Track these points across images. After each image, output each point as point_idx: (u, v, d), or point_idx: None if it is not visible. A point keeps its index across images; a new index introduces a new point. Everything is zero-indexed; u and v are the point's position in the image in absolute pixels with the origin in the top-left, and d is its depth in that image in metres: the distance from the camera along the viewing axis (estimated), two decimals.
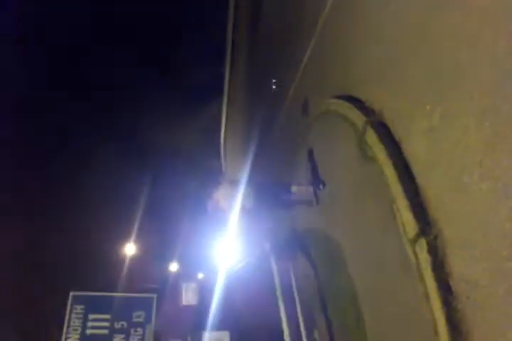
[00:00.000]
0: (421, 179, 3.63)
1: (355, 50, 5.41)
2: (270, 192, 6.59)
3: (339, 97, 5.68)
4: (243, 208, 6.60)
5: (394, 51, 4.23)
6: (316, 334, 7.40)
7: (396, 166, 3.93)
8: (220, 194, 6.63)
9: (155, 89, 28.88)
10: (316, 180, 6.45)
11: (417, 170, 3.71)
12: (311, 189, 6.55)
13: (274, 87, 10.85)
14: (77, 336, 12.89)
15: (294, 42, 8.96)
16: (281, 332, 9.08)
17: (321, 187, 6.41)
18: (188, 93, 29.32)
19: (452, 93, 3.13)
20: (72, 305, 13.38)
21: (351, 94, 5.35)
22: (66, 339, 12.81)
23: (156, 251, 33.76)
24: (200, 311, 13.51)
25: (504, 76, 2.60)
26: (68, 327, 13.02)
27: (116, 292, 14.87)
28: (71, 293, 13.60)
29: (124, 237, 28.72)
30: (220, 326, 11.84)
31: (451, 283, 3.12)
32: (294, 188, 6.59)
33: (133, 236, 29.01)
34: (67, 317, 13.16)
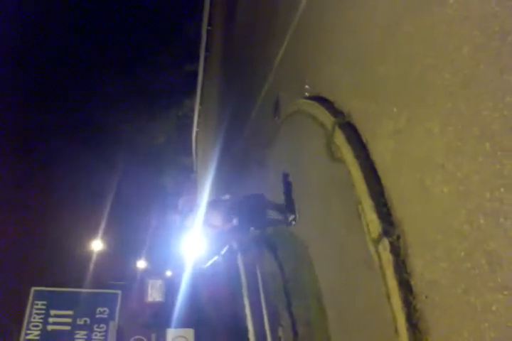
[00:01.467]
0: (386, 180, 3.70)
1: (325, 51, 5.47)
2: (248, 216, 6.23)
3: (309, 98, 5.73)
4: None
5: (363, 54, 4.29)
6: (280, 332, 7.45)
7: (362, 167, 3.99)
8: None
9: (125, 83, 28.69)
10: (290, 214, 6.30)
11: (382, 171, 3.77)
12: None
13: (245, 86, 10.86)
14: (38, 332, 12.63)
15: (266, 42, 9.00)
16: (246, 329, 9.11)
17: (292, 223, 6.30)
18: (160, 90, 29.23)
19: (418, 97, 3.20)
20: (33, 300, 13.11)
21: (321, 95, 5.40)
22: (26, 335, 12.55)
23: (124, 247, 33.50)
24: (165, 308, 13.43)
25: (466, 81, 2.67)
26: (28, 323, 12.76)
27: (82, 288, 14.65)
28: (32, 289, 13.32)
29: (92, 233, 28.41)
30: (185, 323, 11.79)
31: (411, 282, 3.19)
32: (270, 213, 6.38)
33: (100, 233, 28.72)
34: (27, 313, 12.88)
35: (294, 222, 6.30)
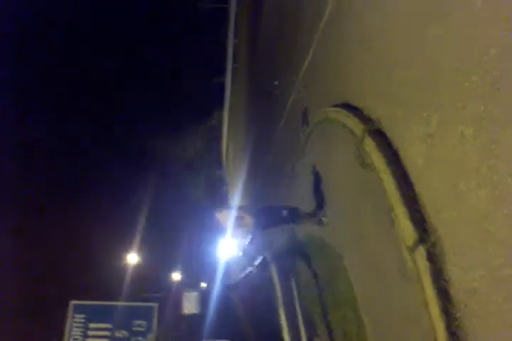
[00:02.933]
0: (419, 186, 3.63)
1: (352, 59, 5.44)
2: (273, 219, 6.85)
3: (337, 106, 5.70)
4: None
5: (389, 60, 4.25)
6: None
7: (394, 173, 3.93)
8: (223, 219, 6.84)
9: (160, 99, 29.15)
10: (319, 213, 6.64)
11: (415, 177, 3.71)
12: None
13: (274, 95, 10.89)
14: None
15: (292, 52, 9.02)
16: (282, 340, 9.04)
17: (322, 222, 6.59)
18: (190, 103, 29.58)
19: (449, 100, 3.14)
20: (72, 314, 13.33)
21: (349, 102, 5.37)
22: None
23: (160, 260, 33.80)
24: (200, 320, 13.45)
25: (496, 83, 2.62)
26: (69, 336, 12.99)
27: (119, 301, 14.86)
28: (72, 302, 13.57)
29: (127, 247, 28.78)
30: (221, 335, 11.77)
31: (449, 290, 3.11)
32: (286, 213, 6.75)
33: (136, 246, 29.07)
34: (67, 327, 13.14)
35: (323, 219, 6.53)
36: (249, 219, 6.63)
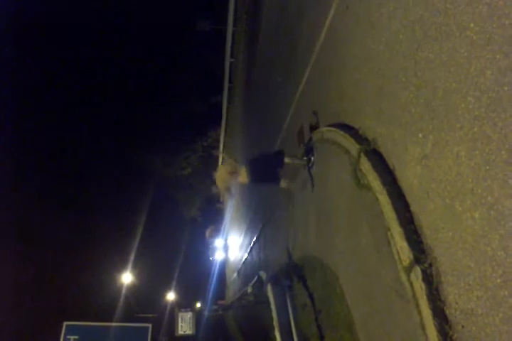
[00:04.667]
0: (415, 206, 3.64)
1: (347, 79, 5.50)
2: (265, 163, 7.01)
3: (333, 125, 5.73)
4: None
5: (385, 80, 4.30)
6: None
7: (390, 194, 3.94)
8: (222, 171, 7.10)
9: (154, 117, 29.28)
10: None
11: (410, 197, 3.72)
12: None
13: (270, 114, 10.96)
14: None
15: (288, 72, 9.10)
16: None
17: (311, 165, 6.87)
18: (185, 121, 29.72)
19: (443, 121, 3.17)
20: (65, 335, 13.12)
21: (345, 122, 5.41)
22: None
23: (154, 280, 33.52)
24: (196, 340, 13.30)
25: (492, 104, 2.65)
26: None
27: (112, 321, 14.66)
28: (64, 323, 13.36)
29: (122, 267, 28.54)
30: None
31: (446, 311, 3.09)
32: (287, 160, 6.96)
33: (130, 266, 28.84)
34: None
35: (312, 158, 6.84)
36: (244, 170, 6.74)
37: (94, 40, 26.38)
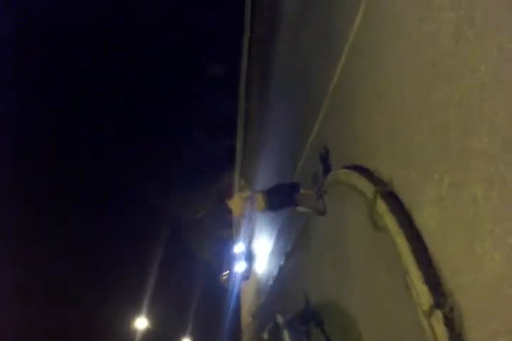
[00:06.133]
0: (433, 249, 3.58)
1: (361, 121, 5.55)
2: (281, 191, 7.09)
3: (348, 167, 5.74)
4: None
5: (399, 122, 4.33)
6: None
7: (407, 236, 3.89)
8: (238, 198, 7.22)
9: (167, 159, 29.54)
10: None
11: (428, 239, 3.67)
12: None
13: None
14: None
15: (302, 115, 9.21)
16: None
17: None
18: (201, 164, 29.93)
19: (458, 162, 3.17)
20: None
21: (360, 164, 5.41)
22: None
23: (170, 324, 32.90)
24: None
25: (506, 145, 2.64)
26: None
27: None
28: None
29: (135, 311, 28.14)
30: None
31: None
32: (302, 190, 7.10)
33: (145, 310, 28.43)
34: None
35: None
36: (261, 198, 6.79)
37: (106, 88, 26.96)
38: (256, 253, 20.46)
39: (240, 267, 22.51)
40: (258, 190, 7.23)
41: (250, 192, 7.11)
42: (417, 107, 3.90)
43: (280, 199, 6.95)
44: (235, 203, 7.12)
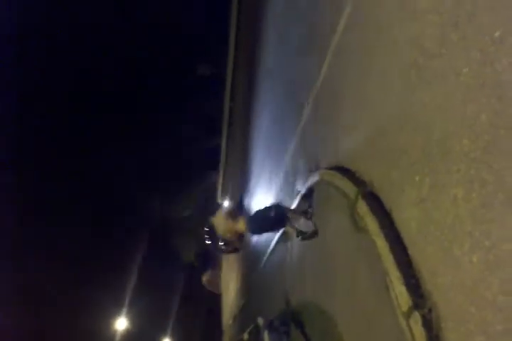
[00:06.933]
0: (413, 250, 3.59)
1: (343, 122, 5.56)
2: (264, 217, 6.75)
3: (331, 168, 5.75)
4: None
5: (381, 123, 4.34)
6: None
7: (387, 237, 3.89)
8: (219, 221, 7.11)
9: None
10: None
11: (408, 241, 3.68)
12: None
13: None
14: None
15: (285, 117, 9.21)
16: None
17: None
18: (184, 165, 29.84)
19: (440, 164, 3.18)
20: None
21: (342, 164, 5.42)
22: None
23: (150, 324, 32.70)
24: None
25: (487, 147, 2.66)
26: None
27: None
28: None
29: (116, 312, 27.93)
30: None
31: None
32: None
33: (124, 310, 28.23)
34: None
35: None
36: (242, 222, 6.77)
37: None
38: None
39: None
40: (241, 213, 7.11)
41: (233, 212, 6.99)
42: (399, 108, 3.92)
43: (262, 226, 6.86)
44: (218, 221, 7.03)
